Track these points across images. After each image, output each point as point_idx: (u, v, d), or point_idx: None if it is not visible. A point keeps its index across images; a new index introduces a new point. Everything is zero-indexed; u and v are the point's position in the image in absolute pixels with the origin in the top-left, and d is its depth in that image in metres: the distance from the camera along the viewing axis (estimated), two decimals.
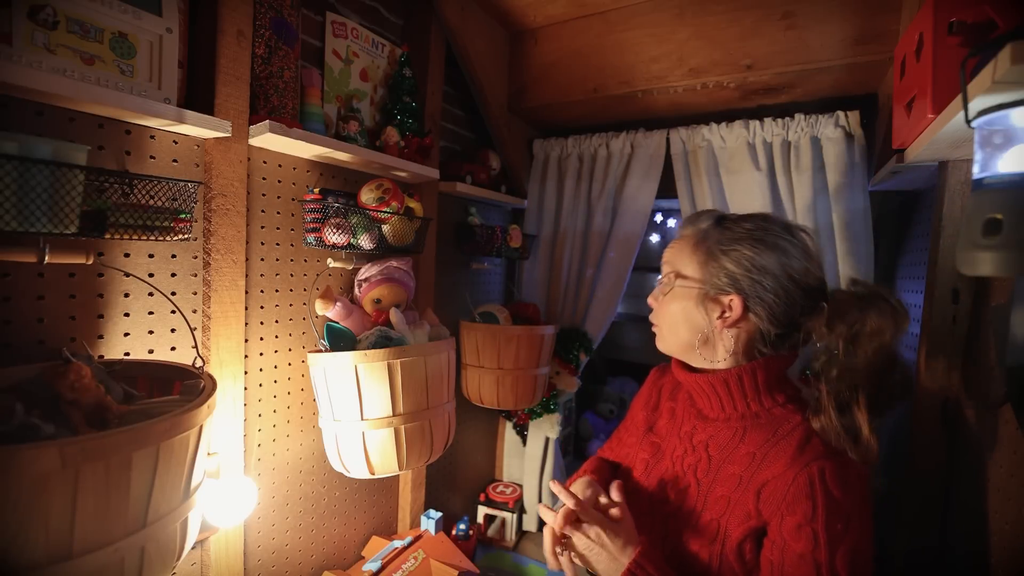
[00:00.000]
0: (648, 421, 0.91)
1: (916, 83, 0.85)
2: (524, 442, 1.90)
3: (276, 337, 1.13)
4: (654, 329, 0.85)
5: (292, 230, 1.14)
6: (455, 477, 1.79)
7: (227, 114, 0.94)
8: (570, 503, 0.72)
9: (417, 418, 1.08)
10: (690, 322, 0.78)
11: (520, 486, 1.92)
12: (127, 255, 0.87)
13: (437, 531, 1.45)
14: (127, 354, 0.88)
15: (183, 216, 0.85)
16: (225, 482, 0.97)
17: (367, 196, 1.17)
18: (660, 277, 0.84)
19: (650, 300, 0.85)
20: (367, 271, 1.23)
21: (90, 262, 0.76)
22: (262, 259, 1.09)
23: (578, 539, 0.71)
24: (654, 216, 2.73)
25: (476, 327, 1.51)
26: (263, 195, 1.08)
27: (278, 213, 1.11)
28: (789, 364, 0.77)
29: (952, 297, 0.93)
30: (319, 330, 1.13)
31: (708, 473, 0.75)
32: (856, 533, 0.64)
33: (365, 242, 1.16)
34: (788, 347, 0.76)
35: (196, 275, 0.96)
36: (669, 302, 0.80)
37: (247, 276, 1.05)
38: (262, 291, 1.09)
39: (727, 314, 0.75)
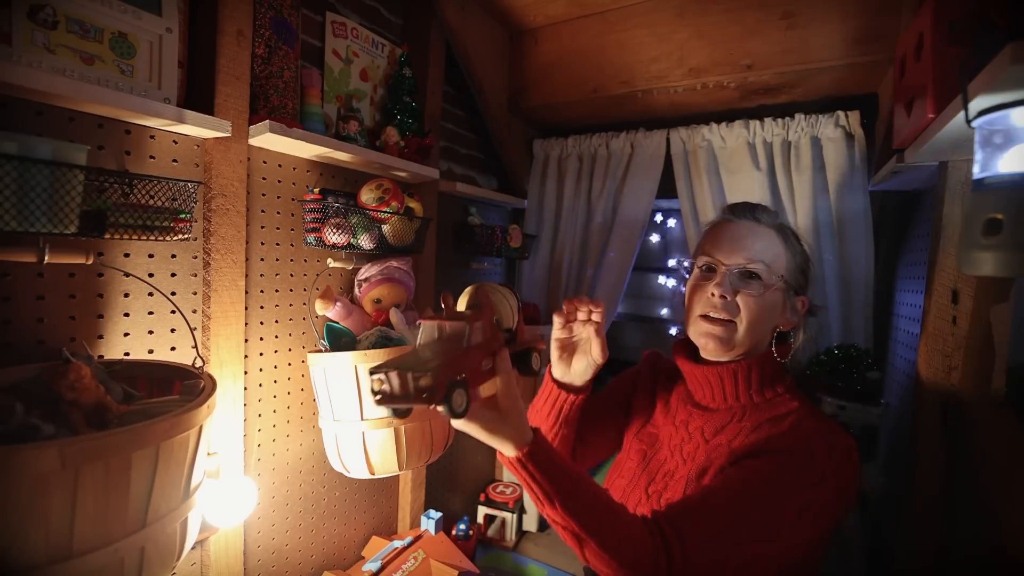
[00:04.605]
0: (642, 408, 0.89)
1: (916, 83, 0.85)
2: None
3: (276, 337, 1.13)
4: (718, 327, 0.73)
5: (292, 230, 1.14)
6: (455, 477, 1.79)
7: (227, 114, 0.94)
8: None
9: (417, 418, 1.08)
10: (770, 320, 0.75)
11: (520, 486, 1.92)
12: (127, 255, 0.87)
13: (437, 531, 1.45)
14: (127, 354, 0.88)
15: (183, 216, 0.85)
16: (225, 482, 0.97)
17: (367, 196, 1.17)
18: (746, 269, 0.72)
19: (742, 298, 0.73)
20: (367, 271, 1.23)
21: (90, 262, 0.76)
22: (262, 259, 1.08)
23: None
24: (654, 216, 2.72)
25: None
26: (263, 195, 1.08)
27: (278, 213, 1.11)
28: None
29: (952, 297, 0.93)
30: (319, 330, 1.13)
31: (702, 449, 0.75)
32: (828, 493, 0.61)
33: (365, 242, 1.16)
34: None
35: (196, 275, 0.96)
36: (767, 298, 0.73)
37: (247, 276, 1.05)
38: (262, 291, 1.09)
39: (796, 314, 0.76)
